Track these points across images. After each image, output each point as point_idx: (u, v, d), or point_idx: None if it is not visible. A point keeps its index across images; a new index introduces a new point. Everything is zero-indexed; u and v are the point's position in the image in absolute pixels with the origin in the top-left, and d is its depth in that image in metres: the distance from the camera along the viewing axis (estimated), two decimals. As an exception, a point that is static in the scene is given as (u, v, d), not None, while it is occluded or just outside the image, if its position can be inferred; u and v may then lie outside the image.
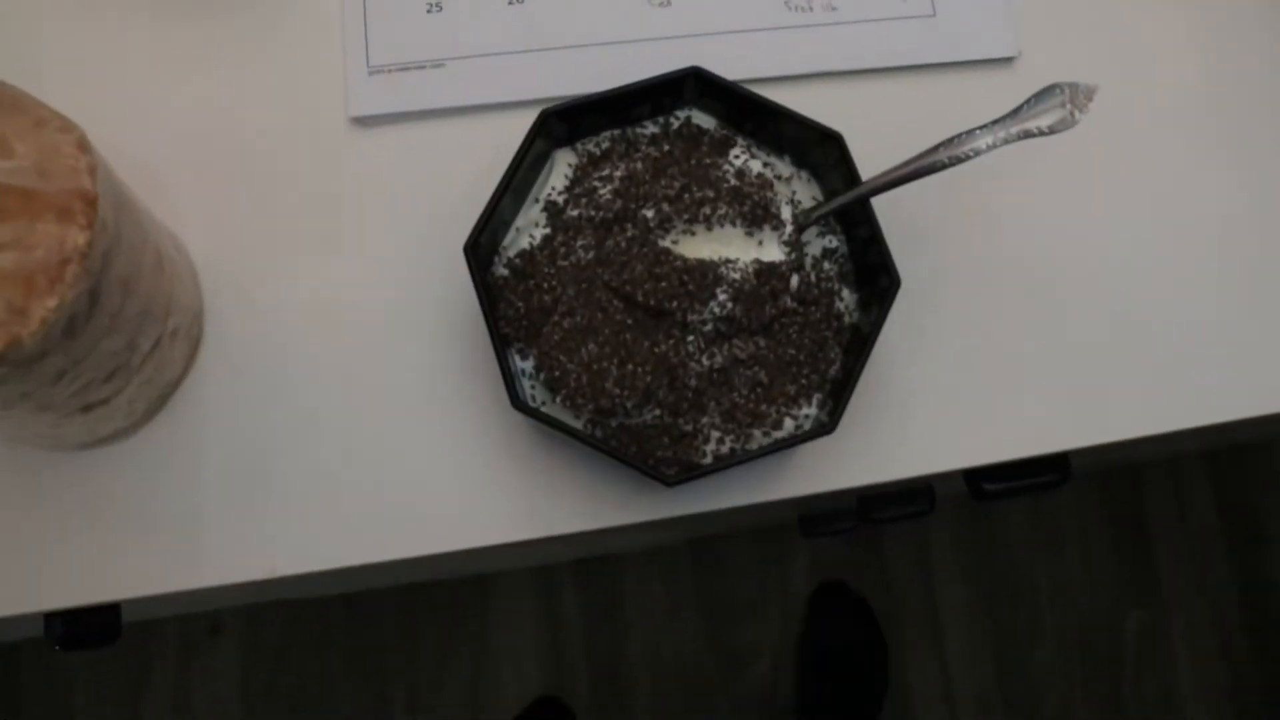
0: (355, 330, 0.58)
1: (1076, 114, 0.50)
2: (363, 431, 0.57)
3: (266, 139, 0.60)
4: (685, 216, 0.52)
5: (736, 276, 0.52)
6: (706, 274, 0.51)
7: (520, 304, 0.54)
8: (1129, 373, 0.60)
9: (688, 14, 0.61)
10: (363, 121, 0.60)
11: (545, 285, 0.54)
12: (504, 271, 0.55)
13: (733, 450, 0.53)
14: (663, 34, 0.61)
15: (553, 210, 0.55)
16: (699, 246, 0.53)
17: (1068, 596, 1.47)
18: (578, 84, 0.58)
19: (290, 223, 0.59)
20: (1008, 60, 0.63)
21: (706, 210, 0.52)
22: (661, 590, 1.40)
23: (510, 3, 0.61)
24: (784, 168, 0.57)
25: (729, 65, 0.59)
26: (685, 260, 0.52)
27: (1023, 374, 0.60)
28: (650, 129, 0.57)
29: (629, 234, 0.52)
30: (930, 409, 0.59)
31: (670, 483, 0.50)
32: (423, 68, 0.60)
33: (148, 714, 1.32)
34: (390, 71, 0.60)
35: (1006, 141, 0.51)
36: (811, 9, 0.62)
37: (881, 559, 1.45)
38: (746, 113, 0.56)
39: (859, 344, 0.53)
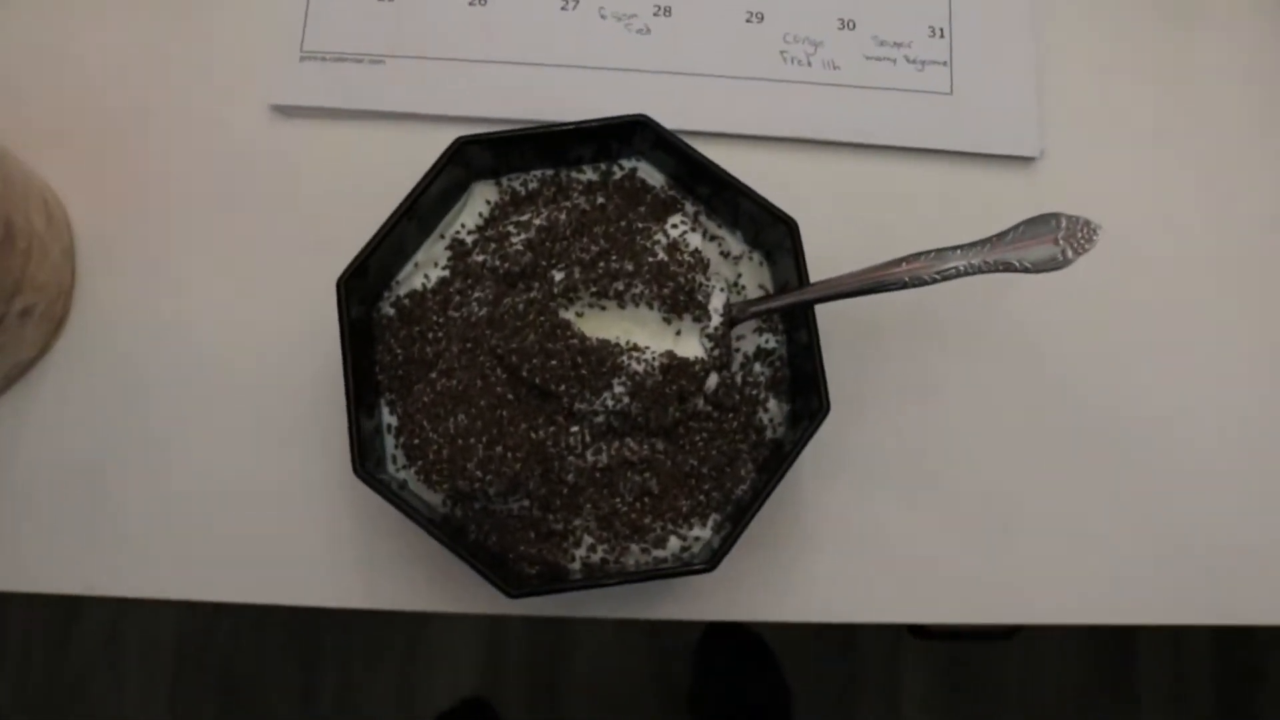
0: (226, 347, 0.52)
1: (1069, 254, 0.41)
2: (212, 460, 0.51)
3: (174, 111, 0.54)
4: (594, 288, 0.45)
5: (639, 369, 0.44)
6: (605, 360, 0.44)
7: (399, 351, 0.47)
8: (1092, 548, 0.52)
9: (669, 47, 0.54)
10: (284, 111, 0.54)
11: (430, 335, 0.47)
12: (390, 311, 0.48)
13: (604, 561, 0.45)
14: (637, 65, 0.53)
15: (458, 250, 0.48)
16: (606, 325, 0.45)
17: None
18: (531, 107, 0.51)
19: (183, 212, 0.53)
20: (1025, 160, 0.54)
21: (619, 285, 0.45)
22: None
23: (471, 3, 0.54)
24: (734, 244, 0.49)
25: (704, 113, 0.52)
26: (584, 339, 0.44)
27: (965, 526, 0.52)
28: (588, 175, 0.50)
29: (530, 296, 0.45)
30: (848, 549, 0.51)
31: (511, 595, 0.43)
32: (360, 60, 0.53)
33: (77, 640, 1.29)
34: (324, 59, 0.53)
35: (982, 270, 0.42)
36: (810, 64, 0.53)
37: (850, 698, 1.34)
38: (698, 176, 0.48)
39: (777, 464, 0.45)
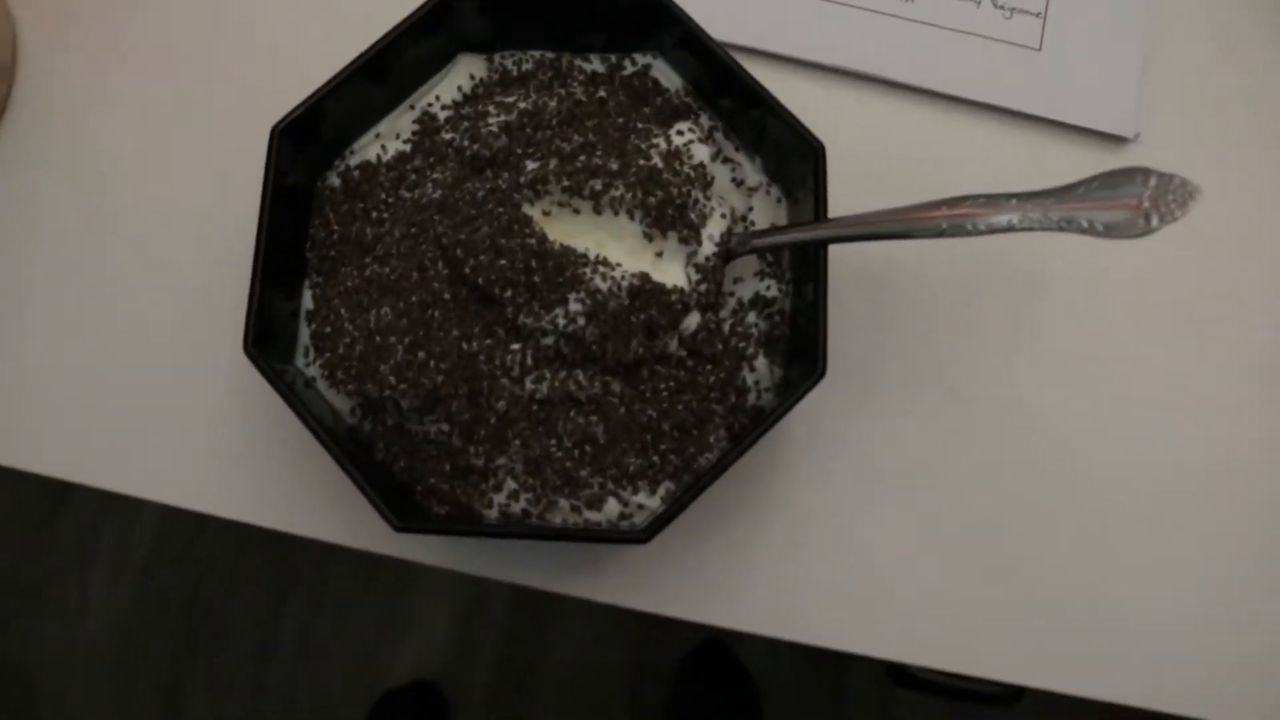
0: (153, 190, 0.45)
1: (1154, 220, 0.32)
2: (109, 322, 0.44)
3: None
4: (567, 182, 0.37)
5: (603, 286, 0.36)
6: (564, 268, 0.36)
7: (337, 228, 0.40)
8: (1122, 620, 0.42)
9: (720, -52, 0.46)
10: (275, -50, 0.47)
11: (373, 215, 0.40)
12: (335, 181, 0.41)
13: (525, 514, 0.38)
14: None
15: (426, 124, 0.41)
16: (575, 231, 0.38)
17: None
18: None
19: (142, 33, 0.47)
20: (1116, 140, 0.45)
21: (597, 184, 0.37)
22: (600, 613, 1.24)
23: None
24: (751, 172, 0.41)
25: (743, 23, 0.44)
26: (544, 241, 0.37)
27: (971, 560, 0.43)
28: (594, 65, 0.42)
29: (491, 184, 0.38)
30: (828, 561, 0.43)
31: (397, 527, 0.35)
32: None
33: (57, 531, 1.24)
34: (328, -100, 0.47)
35: (1040, 227, 0.34)
36: (879, -10, 0.45)
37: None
38: (724, 85, 0.40)
39: (752, 432, 0.37)
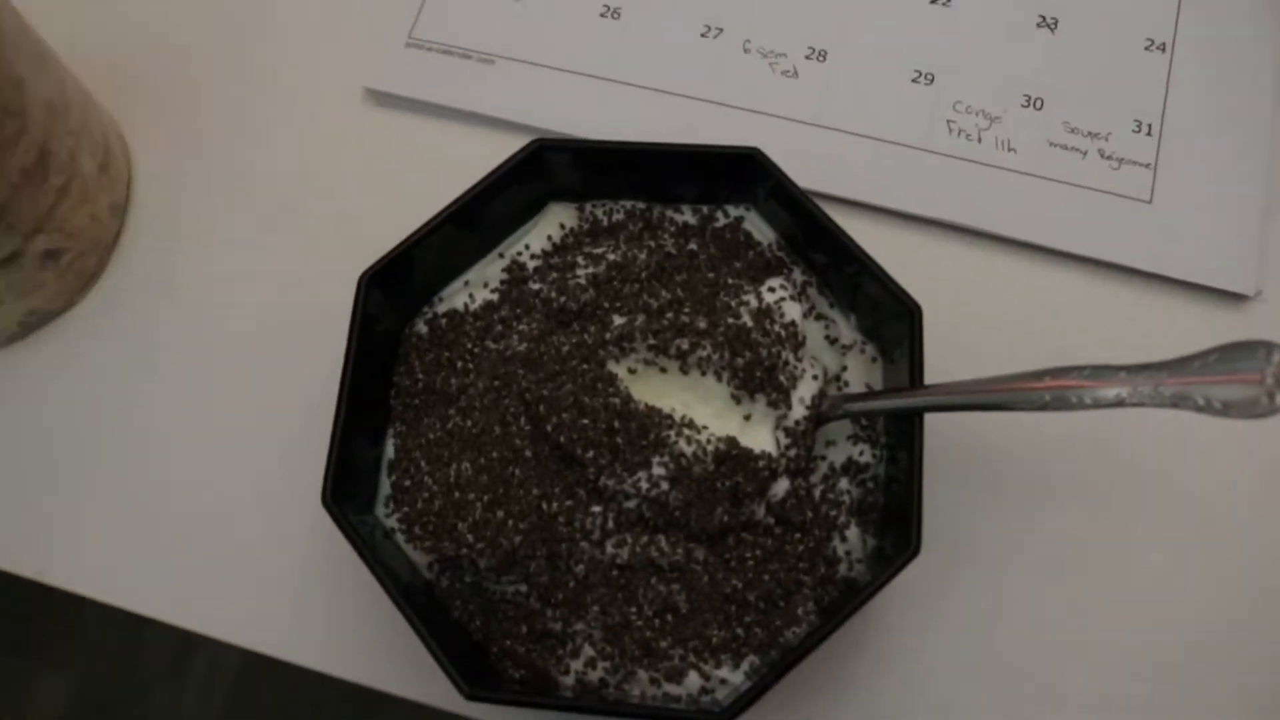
0: (252, 348, 0.46)
1: (1279, 399, 0.30)
2: (198, 470, 0.44)
3: (263, 80, 0.49)
4: (653, 340, 0.36)
5: (687, 450, 0.35)
6: (648, 430, 0.35)
7: (421, 376, 0.40)
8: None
9: (816, 96, 0.46)
10: (378, 97, 0.48)
11: (459, 365, 0.40)
12: (423, 329, 0.41)
13: (602, 683, 0.36)
14: (775, 110, 0.46)
15: (515, 273, 0.41)
16: (662, 391, 0.37)
17: None
18: (647, 135, 0.43)
19: (250, 193, 0.48)
20: (1235, 298, 0.43)
21: (683, 344, 0.36)
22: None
23: (603, 15, 0.48)
24: (845, 330, 0.40)
25: (841, 175, 0.43)
26: (628, 400, 0.36)
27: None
28: (686, 216, 0.42)
29: (577, 339, 0.37)
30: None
31: (466, 695, 0.34)
32: (469, 56, 0.47)
33: (149, 641, 1.25)
34: (430, 49, 0.48)
35: (1152, 403, 0.32)
36: (979, 140, 0.44)
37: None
38: (817, 240, 0.39)
39: (842, 608, 0.35)
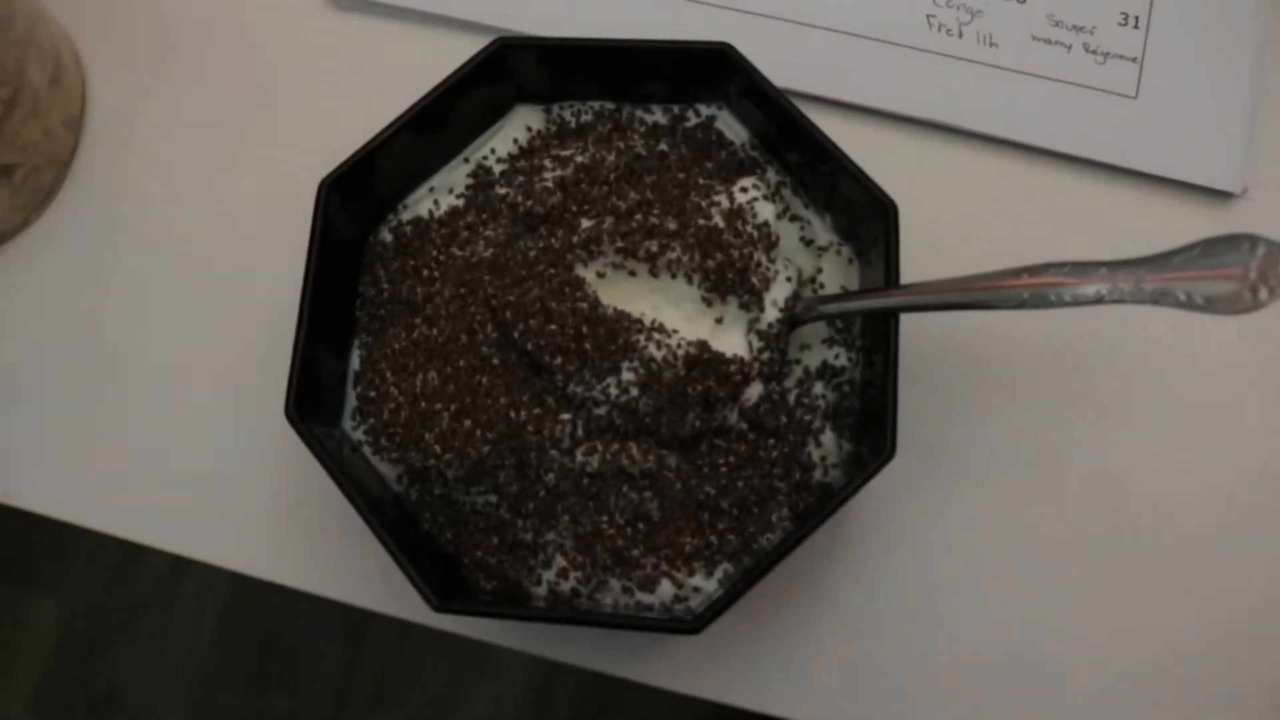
0: (213, 261, 0.44)
1: (1263, 294, 0.29)
2: (162, 387, 0.43)
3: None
4: (622, 243, 0.35)
5: (657, 355, 0.34)
6: (617, 335, 0.34)
7: (386, 286, 0.39)
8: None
9: (793, -8, 0.44)
10: (339, 2, 0.46)
11: (424, 273, 0.38)
12: (387, 237, 0.39)
13: (574, 592, 0.36)
14: (755, 7, 0.44)
15: (480, 178, 0.39)
16: (631, 295, 0.36)
17: None
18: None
19: (209, 102, 0.46)
20: (1221, 196, 0.42)
21: (653, 245, 0.35)
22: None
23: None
24: (821, 231, 0.39)
25: (815, 71, 0.42)
26: (597, 305, 0.35)
27: (1055, 652, 0.39)
28: (656, 116, 0.40)
29: (544, 243, 0.36)
30: (891, 646, 0.40)
31: (437, 608, 0.33)
32: (431, -45, 0.45)
33: (143, 565, 1.25)
34: (391, -52, 0.46)
35: (1132, 299, 0.31)
36: (961, 35, 0.43)
37: None
38: (791, 138, 0.38)
39: (816, 514, 0.34)
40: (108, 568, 1.25)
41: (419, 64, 0.40)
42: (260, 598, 1.24)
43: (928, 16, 0.43)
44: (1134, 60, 0.42)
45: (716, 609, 0.33)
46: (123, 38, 0.47)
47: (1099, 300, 0.31)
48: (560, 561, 0.36)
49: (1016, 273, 0.32)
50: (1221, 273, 0.30)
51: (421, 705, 1.21)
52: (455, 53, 0.39)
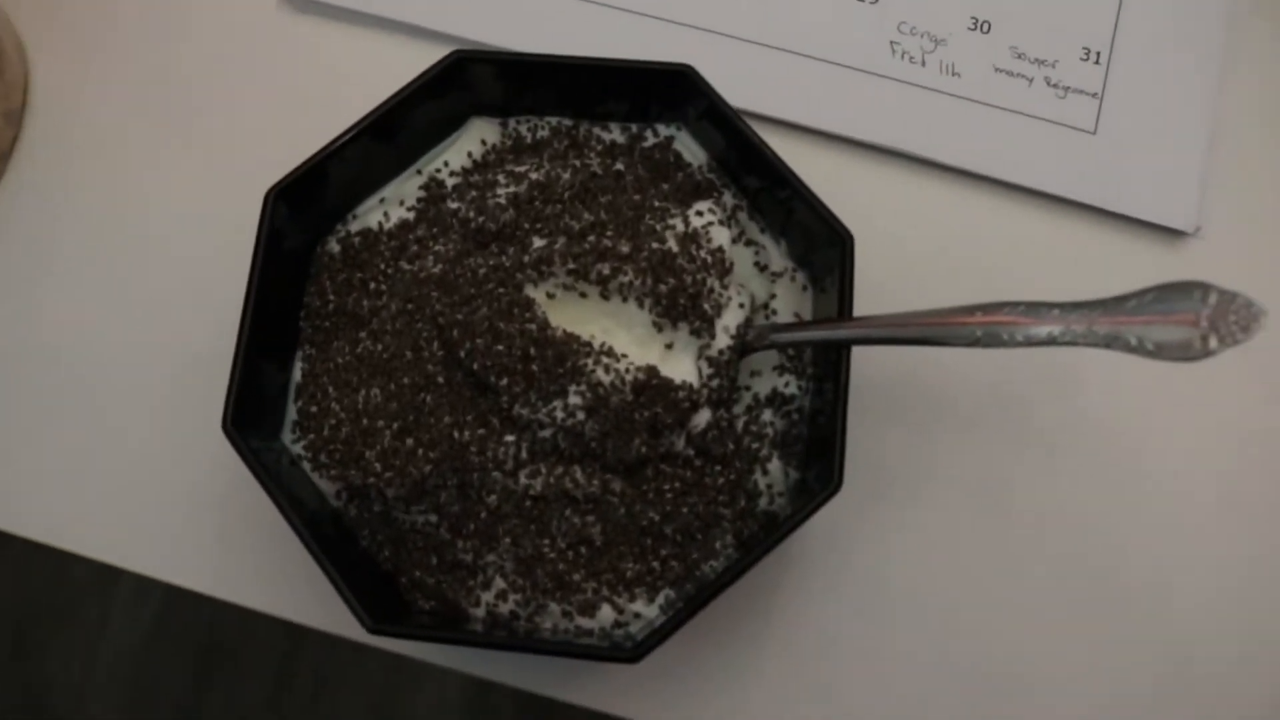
0: (152, 256, 0.43)
1: (1213, 343, 0.29)
2: (96, 386, 0.42)
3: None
4: (573, 264, 0.35)
5: (605, 379, 0.34)
6: (565, 358, 0.34)
7: (332, 298, 0.38)
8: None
9: (758, 9, 0.44)
10: (294, 3, 0.45)
11: (370, 286, 0.38)
12: (335, 247, 0.39)
13: (513, 615, 0.35)
14: (707, 24, 0.44)
15: (432, 191, 0.39)
16: (581, 317, 0.35)
17: None
18: (567, 46, 0.41)
19: (155, 100, 0.45)
20: (1174, 234, 0.42)
21: (604, 268, 0.34)
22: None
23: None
24: (776, 257, 0.39)
25: (776, 94, 0.42)
26: (545, 326, 0.34)
27: (998, 685, 0.39)
28: (614, 134, 0.40)
29: (494, 261, 0.35)
30: (832, 675, 0.39)
31: (370, 629, 0.32)
32: (391, -41, 0.45)
33: (81, 558, 1.23)
34: (351, -50, 0.45)
35: (1084, 342, 0.31)
36: (923, 64, 0.43)
37: None
38: (749, 163, 0.38)
39: (761, 543, 0.34)
40: (44, 559, 1.22)
41: (373, 70, 0.39)
42: (197, 600, 1.22)
43: (891, 43, 0.43)
44: (1094, 95, 0.42)
45: (657, 637, 0.32)
46: (67, 30, 0.46)
47: (1051, 341, 0.31)
48: (500, 583, 0.35)
49: (970, 310, 0.32)
50: (1173, 318, 0.30)
51: (358, 711, 1.20)
52: (411, 60, 0.38)
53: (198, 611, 1.21)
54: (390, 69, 0.38)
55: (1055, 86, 0.42)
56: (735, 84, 0.37)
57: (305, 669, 1.20)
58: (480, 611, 0.35)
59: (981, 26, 0.43)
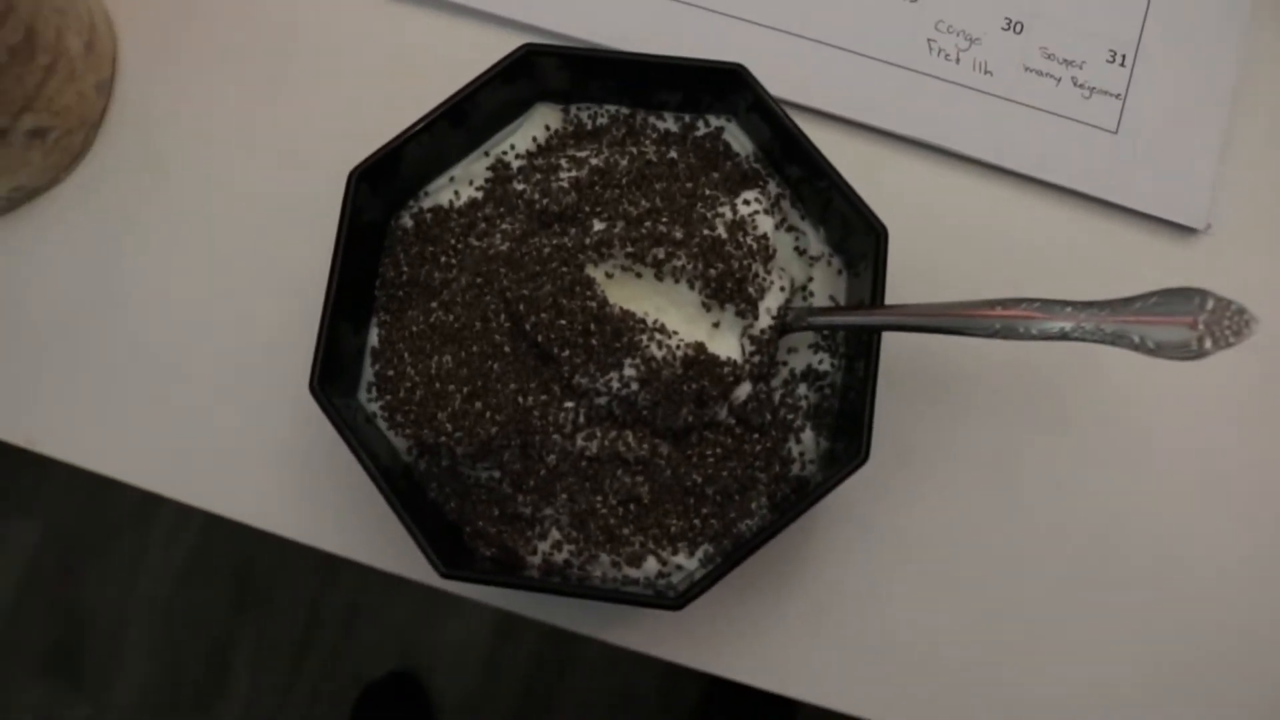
0: (239, 227, 0.47)
1: (1207, 344, 0.33)
2: (187, 345, 0.46)
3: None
4: (631, 248, 0.38)
5: (658, 354, 0.37)
6: (622, 333, 0.37)
7: (406, 269, 0.41)
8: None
9: (805, 4, 0.46)
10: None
11: (442, 259, 0.41)
12: (409, 222, 0.42)
13: (567, 564, 0.39)
14: (756, 17, 0.46)
15: (500, 172, 0.42)
16: (636, 296, 0.39)
17: None
18: (620, 37, 0.44)
19: (240, 76, 0.48)
20: (1186, 231, 0.45)
21: (660, 252, 0.38)
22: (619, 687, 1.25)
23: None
24: (814, 242, 0.42)
25: (818, 87, 0.45)
26: (604, 304, 0.37)
27: (1004, 642, 0.43)
28: (668, 123, 0.43)
29: (557, 241, 0.39)
30: (854, 627, 0.43)
31: (443, 574, 0.36)
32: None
33: (121, 489, 1.27)
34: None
35: (1093, 339, 0.34)
36: (958, 61, 0.45)
37: None
38: (791, 154, 0.41)
39: (793, 506, 0.38)
40: (85, 490, 1.27)
41: (445, 53, 0.42)
42: (232, 529, 1.27)
43: (929, 41, 0.46)
44: (1117, 97, 0.45)
45: (698, 588, 0.36)
46: (155, 4, 0.49)
47: (1063, 336, 0.34)
48: (555, 535, 0.39)
49: (991, 304, 0.35)
50: (1173, 320, 0.33)
51: (391, 633, 1.25)
52: (477, 43, 0.41)
53: (235, 537, 1.26)
54: (456, 51, 0.41)
55: (1081, 87, 0.45)
56: (781, 75, 0.40)
57: (340, 592, 1.25)
58: (537, 559, 0.39)
59: (1015, 27, 0.46)
